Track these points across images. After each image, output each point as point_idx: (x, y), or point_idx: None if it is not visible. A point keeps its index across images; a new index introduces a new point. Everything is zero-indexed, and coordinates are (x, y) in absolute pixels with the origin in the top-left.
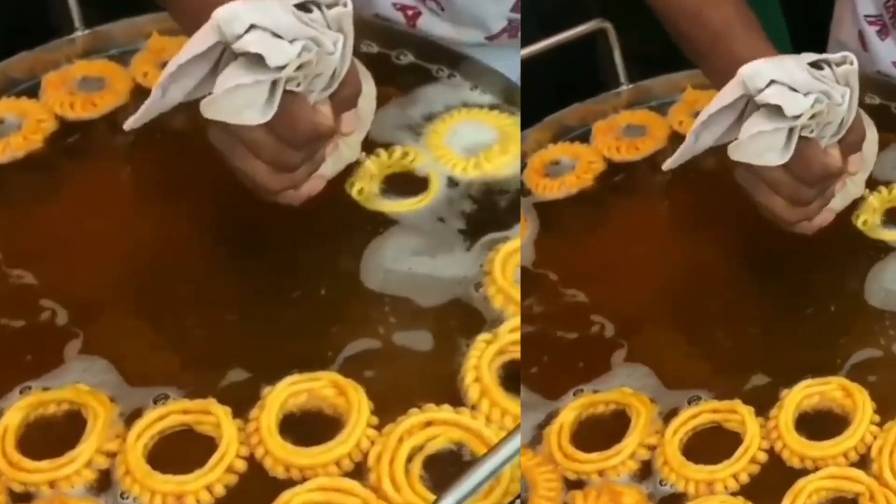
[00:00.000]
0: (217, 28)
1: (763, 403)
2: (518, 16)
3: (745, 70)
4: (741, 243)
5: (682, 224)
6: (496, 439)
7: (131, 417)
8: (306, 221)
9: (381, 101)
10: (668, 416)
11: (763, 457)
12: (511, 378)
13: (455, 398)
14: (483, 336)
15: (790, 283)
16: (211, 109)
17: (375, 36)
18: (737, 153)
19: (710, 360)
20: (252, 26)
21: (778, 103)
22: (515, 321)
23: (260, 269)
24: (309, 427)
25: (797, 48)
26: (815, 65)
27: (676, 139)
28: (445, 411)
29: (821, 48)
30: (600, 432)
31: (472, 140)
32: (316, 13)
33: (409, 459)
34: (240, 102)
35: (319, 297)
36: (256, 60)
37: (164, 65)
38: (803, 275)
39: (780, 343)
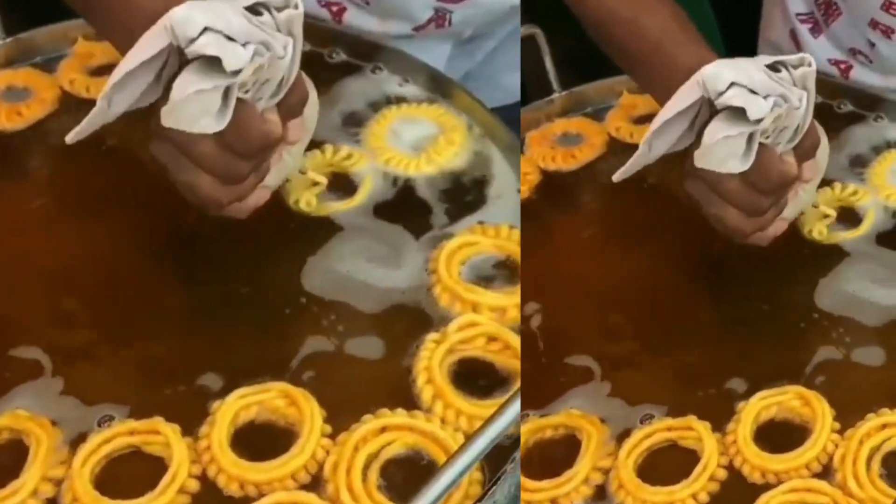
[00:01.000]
0: (170, 30)
1: (719, 418)
2: (444, 5)
3: (706, 72)
4: (687, 254)
5: (626, 235)
6: (452, 442)
7: (76, 442)
8: (243, 231)
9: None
10: (621, 437)
11: (722, 473)
12: (464, 377)
13: (409, 401)
14: (432, 336)
15: (738, 292)
16: (171, 118)
17: (306, 35)
18: (702, 160)
19: (660, 376)
20: (206, 29)
21: (742, 105)
22: (464, 318)
23: (198, 282)
24: (262, 440)
25: (730, 52)
26: (772, 67)
27: (614, 146)
28: (400, 416)
29: (752, 51)
30: (550, 458)
31: (414, 136)
32: (266, 16)
33: (366, 467)
34: (197, 110)
35: (262, 306)
36: (211, 65)
37: (92, 71)
38: (752, 284)
39: (732, 354)
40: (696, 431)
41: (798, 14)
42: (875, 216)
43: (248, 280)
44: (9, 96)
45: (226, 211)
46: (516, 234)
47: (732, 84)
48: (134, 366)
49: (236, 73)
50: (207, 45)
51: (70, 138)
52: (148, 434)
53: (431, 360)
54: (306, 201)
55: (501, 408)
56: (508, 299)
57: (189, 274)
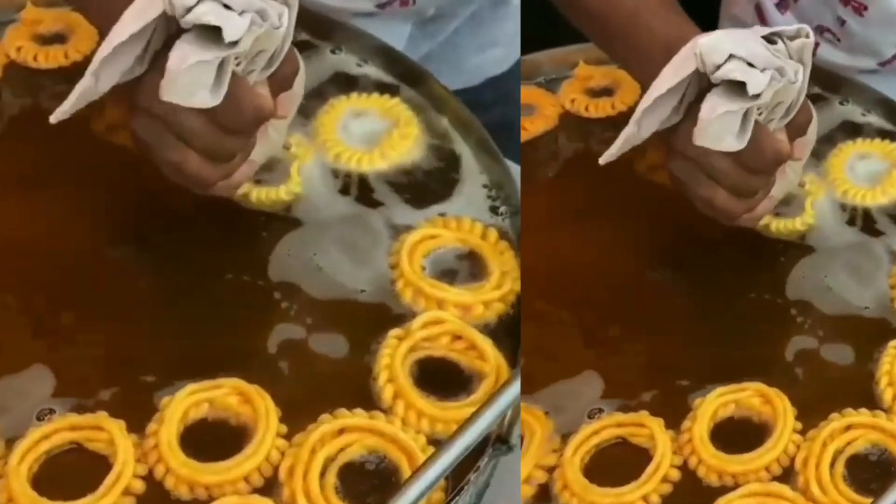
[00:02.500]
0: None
1: (673, 414)
2: None
3: (703, 42)
4: (642, 237)
5: (577, 216)
6: (414, 444)
7: (12, 438)
8: (197, 218)
9: None
10: (567, 433)
11: (676, 474)
12: (426, 377)
13: (368, 401)
14: (394, 332)
15: (696, 279)
16: (170, 90)
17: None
18: (701, 137)
19: (610, 368)
20: None
21: (742, 79)
22: (428, 315)
23: (149, 268)
24: (213, 440)
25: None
26: (768, 38)
27: (568, 119)
28: (359, 416)
29: (713, 26)
30: None
31: (365, 130)
32: None
33: (323, 470)
34: (194, 82)
35: (216, 296)
36: (207, 36)
37: (39, 38)
38: (710, 271)
39: (688, 346)
40: (647, 428)
41: None
42: (827, 210)
43: (201, 267)
44: None
45: (213, 190)
46: (479, 226)
47: (731, 56)
48: (77, 357)
49: (234, 43)
50: (206, 14)
51: (55, 118)
52: (91, 430)
53: (393, 358)
54: (256, 196)
55: (479, 411)
56: (474, 296)
57: (137, 260)
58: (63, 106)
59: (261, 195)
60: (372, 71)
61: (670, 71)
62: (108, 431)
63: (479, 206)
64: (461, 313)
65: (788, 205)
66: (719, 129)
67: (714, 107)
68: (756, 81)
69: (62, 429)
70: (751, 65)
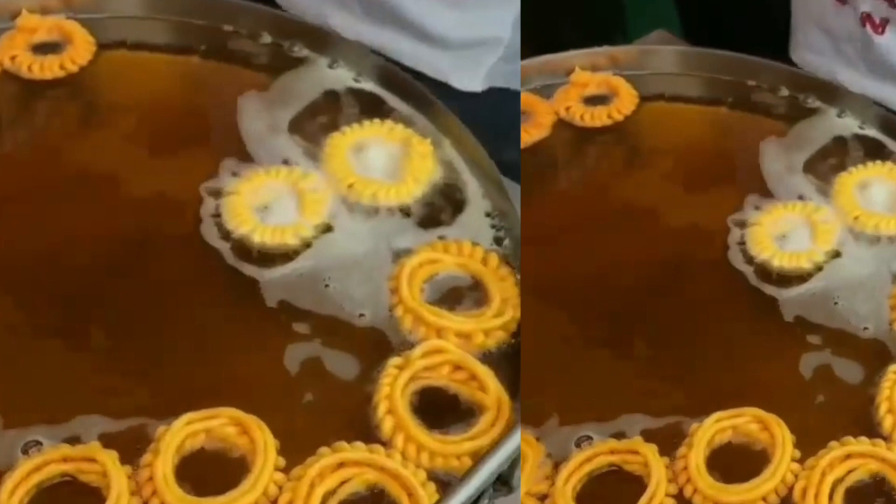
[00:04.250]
0: None
1: (667, 441)
2: None
3: None
4: (635, 252)
5: (572, 229)
6: (414, 480)
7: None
8: (193, 239)
9: None
10: (560, 459)
11: (671, 503)
12: (426, 407)
13: (367, 432)
14: (394, 361)
15: (689, 296)
16: None
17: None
18: None
19: (599, 392)
20: None
21: None
22: (429, 344)
23: (141, 292)
24: (209, 472)
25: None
26: None
27: (562, 127)
28: (359, 450)
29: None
30: None
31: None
32: None
33: None
34: None
35: (212, 321)
36: None
37: (35, 48)
38: (703, 288)
39: (682, 370)
40: (641, 455)
41: None
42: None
43: (196, 292)
44: None
45: None
46: (479, 251)
47: None
48: (63, 383)
49: None
50: None
51: None
52: (83, 461)
53: (393, 388)
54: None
55: (485, 456)
56: (475, 324)
57: (128, 283)
58: None
59: (265, 236)
60: (369, 86)
61: None
62: (100, 463)
63: (480, 230)
64: (462, 343)
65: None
66: None
67: None
68: None
69: (53, 460)
70: None
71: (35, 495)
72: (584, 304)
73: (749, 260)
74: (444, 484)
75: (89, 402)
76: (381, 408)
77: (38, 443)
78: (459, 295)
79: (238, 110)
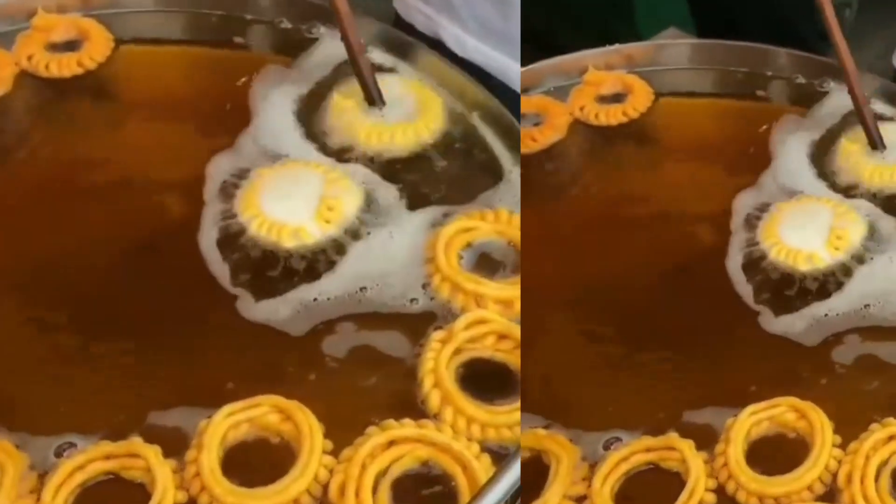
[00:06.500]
0: None
1: (703, 435)
2: None
3: None
4: (655, 253)
5: (588, 230)
6: (468, 453)
7: (47, 468)
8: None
9: None
10: (595, 460)
11: (712, 499)
12: (473, 380)
13: (413, 408)
14: (437, 334)
15: (713, 291)
16: None
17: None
18: None
19: (630, 391)
20: None
21: None
22: (472, 315)
23: (171, 285)
24: (256, 462)
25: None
26: None
27: (578, 128)
28: (408, 427)
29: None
30: None
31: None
32: None
33: (375, 486)
34: None
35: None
36: None
37: (52, 46)
38: (727, 282)
39: (712, 364)
40: (678, 451)
41: None
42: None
43: (224, 287)
44: None
45: None
46: (517, 218)
47: None
48: (100, 382)
49: None
50: None
51: None
52: (126, 458)
53: (437, 362)
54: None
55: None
56: (514, 290)
57: (161, 279)
58: None
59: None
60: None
61: None
62: (144, 458)
63: (516, 197)
64: (502, 309)
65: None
66: None
67: None
68: None
69: (96, 458)
70: None
71: (79, 495)
72: (602, 303)
73: (767, 254)
74: (499, 455)
75: (124, 397)
76: (427, 382)
77: (72, 444)
78: (497, 262)
79: (259, 97)
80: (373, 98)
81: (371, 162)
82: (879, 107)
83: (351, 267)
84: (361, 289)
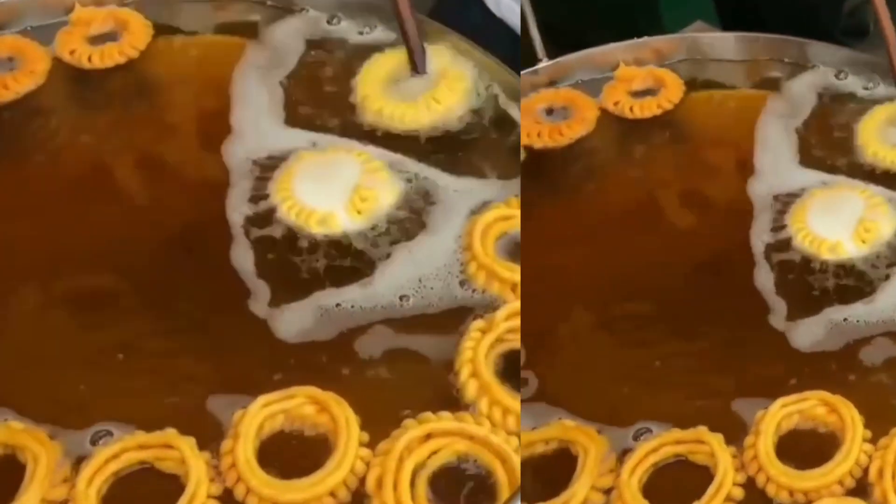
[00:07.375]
0: None
1: (732, 429)
2: None
3: None
4: (682, 245)
5: (618, 223)
6: (507, 447)
7: (79, 458)
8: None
9: None
10: (623, 451)
11: (739, 493)
12: (509, 372)
13: (450, 399)
14: (477, 324)
15: (746, 284)
16: None
17: None
18: None
19: (658, 383)
20: None
21: None
22: (513, 306)
23: (204, 275)
24: (291, 454)
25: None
26: None
27: (607, 121)
28: (445, 420)
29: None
30: (543, 477)
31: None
32: None
33: (412, 479)
34: None
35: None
36: None
37: (91, 39)
38: (760, 275)
39: (741, 358)
40: (707, 445)
41: None
42: None
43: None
44: None
45: None
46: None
47: None
48: (137, 370)
49: None
50: None
51: None
52: (160, 448)
53: (476, 352)
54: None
55: None
56: None
57: (194, 262)
58: None
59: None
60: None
61: None
62: (178, 449)
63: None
64: None
65: None
66: None
67: None
68: None
69: (130, 448)
70: None
71: (113, 483)
72: (633, 295)
73: (797, 247)
74: None
75: (160, 387)
76: (465, 371)
77: (109, 432)
78: None
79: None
80: (416, 64)
81: (402, 144)
82: None
83: (390, 270)
84: (402, 297)
